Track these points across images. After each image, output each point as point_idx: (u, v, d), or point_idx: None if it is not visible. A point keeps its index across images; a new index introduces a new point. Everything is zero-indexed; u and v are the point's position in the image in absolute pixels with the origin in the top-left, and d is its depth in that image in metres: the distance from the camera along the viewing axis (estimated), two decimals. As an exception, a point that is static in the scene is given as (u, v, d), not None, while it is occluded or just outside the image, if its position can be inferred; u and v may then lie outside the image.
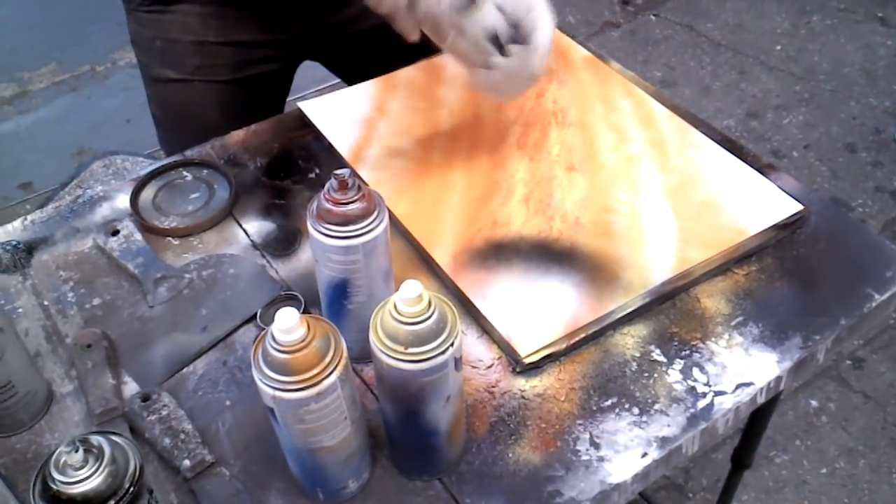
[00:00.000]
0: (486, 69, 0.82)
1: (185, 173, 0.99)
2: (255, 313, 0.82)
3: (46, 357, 0.80)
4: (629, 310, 0.80)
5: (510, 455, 0.71)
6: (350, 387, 0.61)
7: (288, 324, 0.55)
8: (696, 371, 0.77)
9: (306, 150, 1.02)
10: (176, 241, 0.91)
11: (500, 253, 0.86)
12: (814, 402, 1.77)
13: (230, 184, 0.96)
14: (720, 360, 0.77)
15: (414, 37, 0.81)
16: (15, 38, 2.98)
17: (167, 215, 0.93)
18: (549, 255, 0.86)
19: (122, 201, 0.95)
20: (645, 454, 0.71)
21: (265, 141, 1.04)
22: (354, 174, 0.67)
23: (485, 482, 0.69)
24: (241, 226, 0.93)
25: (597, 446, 0.71)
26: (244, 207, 0.95)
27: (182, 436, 0.71)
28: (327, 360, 0.57)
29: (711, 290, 0.84)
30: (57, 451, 0.53)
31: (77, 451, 0.53)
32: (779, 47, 2.81)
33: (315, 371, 0.56)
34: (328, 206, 0.66)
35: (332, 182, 0.65)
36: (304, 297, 0.83)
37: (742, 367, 0.77)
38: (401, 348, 0.58)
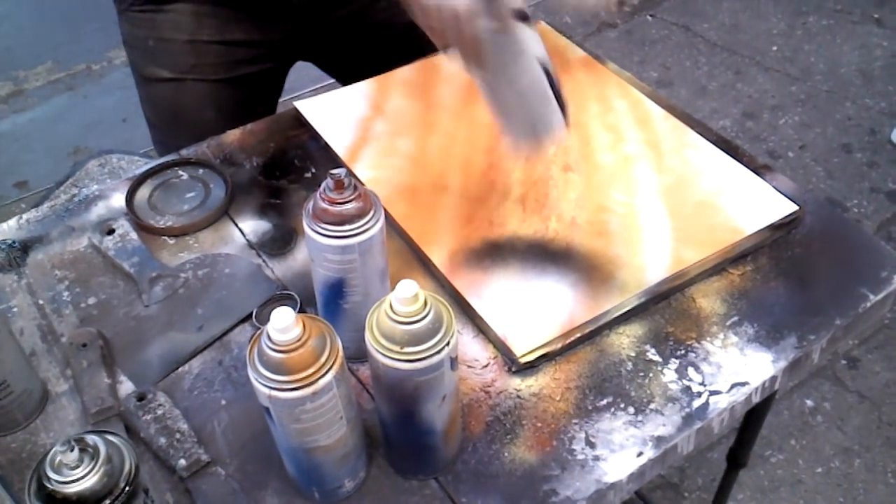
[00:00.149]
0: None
1: (180, 172, 0.99)
2: (251, 313, 0.82)
3: (41, 356, 0.80)
4: (625, 309, 0.80)
5: (506, 454, 0.71)
6: (346, 386, 0.61)
7: (283, 323, 0.55)
8: (691, 370, 0.77)
9: (302, 150, 1.02)
10: (171, 241, 0.91)
11: (496, 253, 0.86)
12: (809, 402, 1.78)
13: (226, 183, 0.96)
14: (715, 360, 0.78)
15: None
16: (10, 36, 2.98)
17: (163, 214, 0.93)
18: (544, 254, 0.86)
19: (118, 200, 0.95)
20: (640, 453, 0.71)
21: (261, 140, 1.04)
22: (350, 174, 0.67)
23: (481, 481, 0.69)
24: (236, 225, 0.93)
25: (592, 445, 0.71)
26: (240, 207, 0.95)
27: (178, 435, 0.71)
28: (323, 359, 0.57)
29: (707, 289, 0.84)
30: (52, 451, 0.53)
31: (72, 450, 0.52)
32: (775, 48, 2.81)
33: (311, 370, 0.56)
34: (324, 205, 0.66)
35: (328, 181, 0.65)
36: (299, 297, 0.83)
37: (737, 367, 0.77)
38: (397, 348, 0.58)
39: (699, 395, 0.75)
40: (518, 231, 0.88)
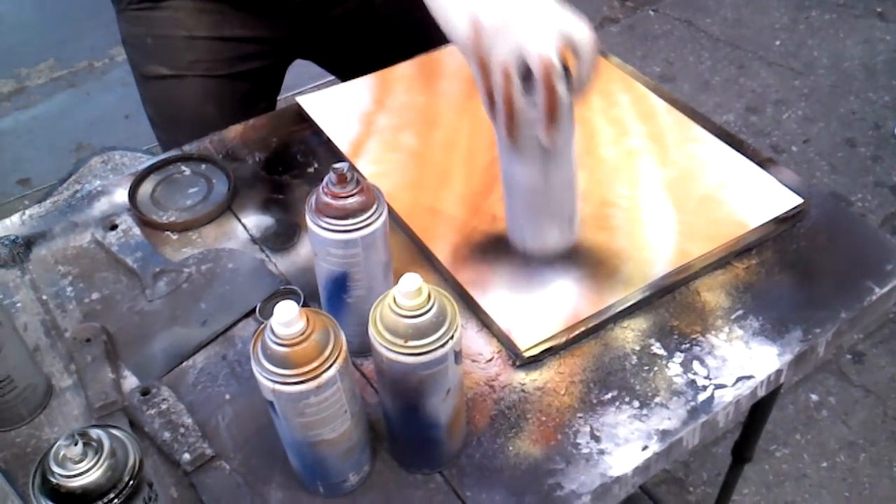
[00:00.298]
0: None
1: (183, 168, 0.98)
2: (255, 307, 0.82)
3: (45, 351, 0.80)
4: (629, 303, 0.80)
5: (510, 448, 0.71)
6: (350, 380, 0.60)
7: (287, 317, 0.55)
8: (696, 364, 0.77)
9: (305, 145, 1.02)
10: (174, 236, 0.91)
11: (499, 247, 0.85)
12: (814, 396, 1.77)
13: (229, 178, 0.96)
14: (720, 354, 0.77)
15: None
16: (13, 34, 2.98)
17: (166, 210, 0.93)
18: (548, 248, 0.85)
19: (121, 196, 0.95)
20: (645, 447, 0.71)
21: (264, 135, 1.04)
22: (353, 168, 0.67)
23: (485, 475, 0.69)
24: (239, 220, 0.93)
25: (597, 439, 0.71)
26: (243, 202, 0.95)
27: (182, 430, 0.71)
28: (327, 353, 0.57)
29: (711, 283, 0.84)
30: (56, 445, 0.53)
31: (76, 444, 0.52)
32: (778, 42, 2.81)
33: (314, 364, 0.56)
34: (327, 199, 0.66)
35: (331, 176, 0.65)
36: (303, 292, 0.82)
37: (742, 361, 0.77)
38: (400, 341, 0.58)
39: (704, 388, 0.75)
40: (522, 225, 0.88)
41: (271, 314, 0.55)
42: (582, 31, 0.64)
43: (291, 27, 1.12)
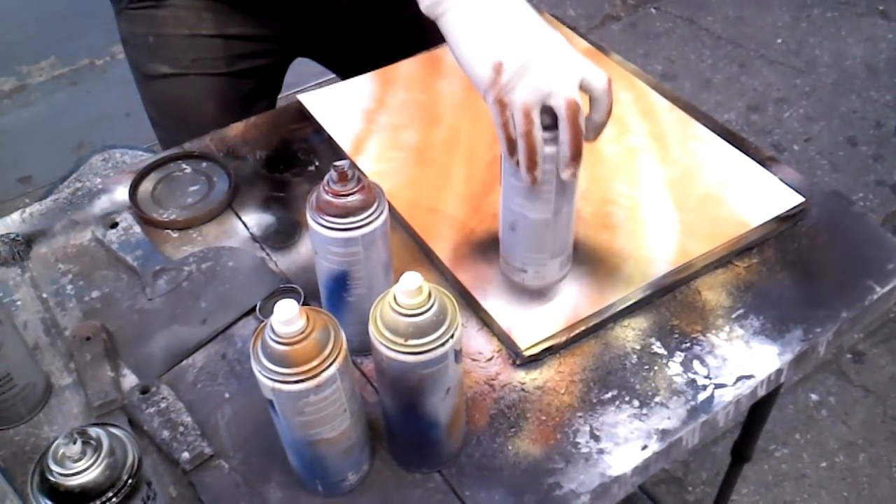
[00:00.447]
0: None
1: (184, 166, 0.98)
2: (255, 306, 0.82)
3: (45, 350, 0.79)
4: (629, 302, 0.80)
5: (510, 447, 0.71)
6: (349, 379, 0.60)
7: (287, 315, 0.55)
8: (696, 363, 0.76)
9: (306, 143, 1.02)
10: (175, 234, 0.91)
11: (500, 246, 0.85)
12: (814, 396, 1.77)
13: (229, 176, 0.96)
14: (721, 353, 0.77)
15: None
16: (14, 32, 2.97)
17: (166, 208, 0.93)
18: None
19: (121, 194, 0.95)
20: (645, 447, 0.70)
21: (264, 133, 1.03)
22: (354, 166, 0.67)
23: (484, 475, 0.69)
24: (240, 218, 0.93)
25: (597, 439, 0.71)
26: (243, 200, 0.95)
27: (181, 428, 0.71)
28: (326, 351, 0.57)
29: (712, 282, 0.84)
30: (55, 443, 0.53)
31: (75, 442, 0.52)
32: (779, 40, 2.80)
33: (314, 363, 0.56)
34: (328, 197, 0.65)
35: (332, 174, 0.65)
36: (303, 290, 0.82)
37: (742, 360, 0.77)
38: (400, 340, 0.58)
39: (704, 388, 0.75)
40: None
41: (271, 313, 0.55)
42: (599, 77, 0.67)
43: (292, 25, 1.12)
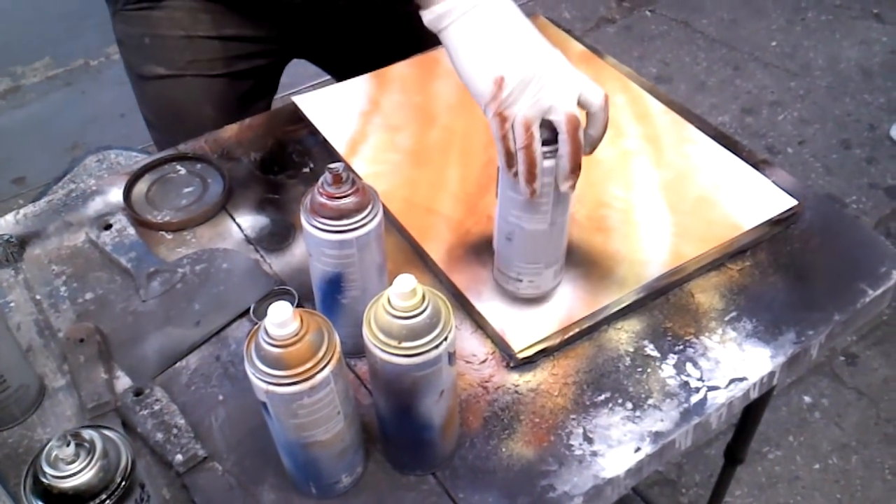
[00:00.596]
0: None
1: (178, 167, 0.98)
2: (249, 308, 0.82)
3: (38, 351, 0.79)
4: (623, 305, 0.80)
5: (503, 450, 0.71)
6: (343, 381, 0.60)
7: (281, 318, 0.55)
8: (689, 366, 0.77)
9: (300, 145, 1.02)
10: (169, 236, 0.91)
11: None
12: (807, 398, 1.78)
13: (224, 178, 0.96)
14: (714, 355, 0.78)
15: None
16: (8, 32, 2.97)
17: (160, 209, 0.93)
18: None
19: (115, 195, 0.95)
20: (638, 449, 0.71)
21: (259, 135, 1.03)
22: (349, 168, 0.67)
23: (478, 477, 0.69)
24: (234, 220, 0.93)
25: (590, 441, 0.71)
26: (238, 202, 0.95)
27: (175, 430, 0.71)
28: (320, 354, 0.57)
29: (705, 285, 0.84)
30: (48, 445, 0.53)
31: (68, 445, 0.52)
32: (774, 43, 2.81)
33: (308, 365, 0.56)
34: (322, 200, 0.65)
35: (326, 176, 0.65)
36: (297, 292, 0.82)
37: (735, 362, 0.77)
38: (394, 342, 0.58)
39: (697, 390, 0.75)
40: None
41: (265, 315, 0.55)
42: (597, 93, 0.69)
43: (289, 26, 1.12)
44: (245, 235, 0.91)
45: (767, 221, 0.88)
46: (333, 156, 0.98)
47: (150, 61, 1.09)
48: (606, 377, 0.76)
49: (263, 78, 1.16)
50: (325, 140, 1.00)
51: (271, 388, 0.56)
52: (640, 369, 0.77)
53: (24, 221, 0.93)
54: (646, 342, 0.79)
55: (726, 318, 0.81)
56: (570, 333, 0.78)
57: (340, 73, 1.20)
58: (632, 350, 0.78)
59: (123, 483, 0.54)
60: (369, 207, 0.67)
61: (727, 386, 0.75)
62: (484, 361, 0.78)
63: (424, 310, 0.58)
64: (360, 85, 1.08)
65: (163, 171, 0.98)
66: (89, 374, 0.75)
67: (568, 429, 0.72)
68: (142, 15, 1.05)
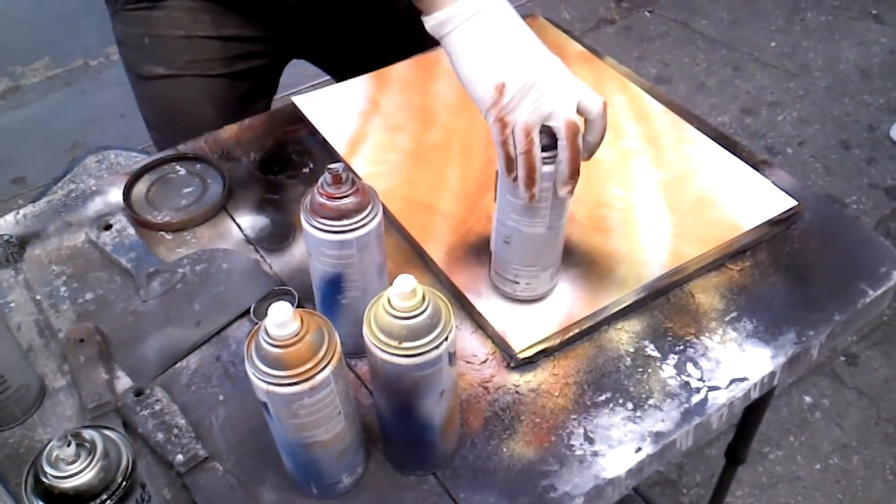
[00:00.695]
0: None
1: (178, 168, 0.98)
2: (249, 308, 0.82)
3: (39, 351, 0.79)
4: (623, 305, 0.80)
5: (504, 450, 0.71)
6: (344, 381, 0.60)
7: (281, 318, 0.55)
8: (689, 366, 0.77)
9: (300, 145, 1.02)
10: (169, 236, 0.91)
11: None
12: (808, 399, 1.78)
13: (223, 178, 0.96)
14: (714, 356, 0.78)
15: None
16: (8, 32, 2.97)
17: (160, 210, 0.93)
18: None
19: (115, 195, 0.95)
20: (639, 449, 0.71)
21: (259, 135, 1.03)
22: (348, 168, 0.67)
23: (479, 477, 0.69)
24: (234, 220, 0.93)
25: (591, 441, 0.71)
26: (238, 202, 0.95)
27: (175, 430, 0.70)
28: (321, 354, 0.57)
29: (705, 285, 0.84)
30: (49, 446, 0.53)
31: (69, 445, 0.52)
32: (773, 44, 2.81)
33: (308, 365, 0.56)
34: (322, 200, 0.65)
35: (326, 176, 0.65)
36: (297, 292, 0.82)
37: (736, 363, 0.77)
38: (395, 343, 0.58)
39: (698, 390, 0.75)
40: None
41: (265, 315, 0.55)
42: (596, 100, 0.70)
43: (289, 26, 1.12)
44: (245, 235, 0.91)
45: (767, 222, 0.88)
46: (333, 156, 0.98)
47: (150, 61, 1.09)
48: (607, 377, 0.76)
49: (263, 78, 1.16)
50: (324, 140, 1.00)
51: (272, 388, 0.56)
52: (640, 369, 0.77)
53: (24, 221, 0.93)
54: (646, 342, 0.79)
55: (727, 319, 0.81)
56: (571, 334, 0.78)
57: (340, 73, 1.20)
58: (632, 350, 0.78)
59: (124, 483, 0.54)
60: (369, 207, 0.67)
61: (728, 386, 0.75)
62: (484, 361, 0.78)
63: (425, 310, 0.58)
64: (359, 85, 1.08)
65: (162, 171, 0.98)
66: (90, 375, 0.75)
67: (569, 429, 0.72)
68: (141, 15, 1.05)
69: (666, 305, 0.82)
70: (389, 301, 0.58)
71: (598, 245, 0.86)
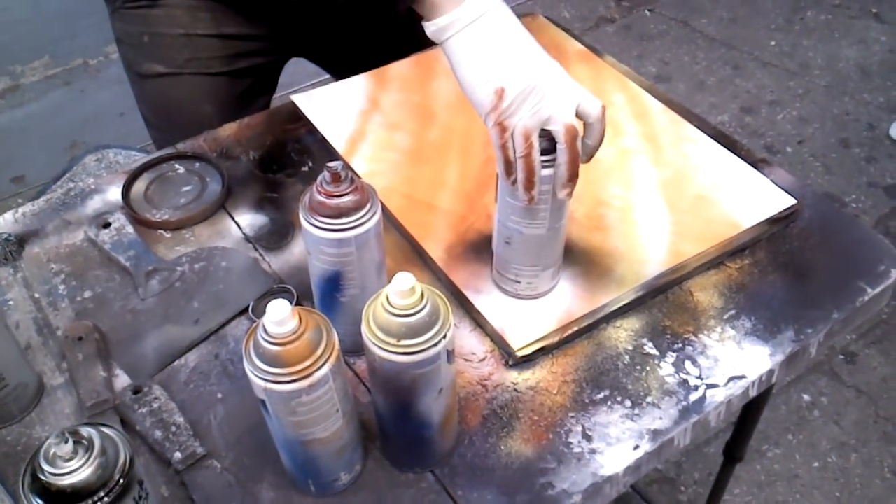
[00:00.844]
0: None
1: (177, 166, 0.98)
2: (248, 306, 0.82)
3: (37, 349, 0.79)
4: (622, 303, 0.80)
5: (502, 447, 0.71)
6: (342, 379, 0.60)
7: (279, 316, 0.55)
8: (688, 364, 0.77)
9: (299, 143, 1.02)
10: (168, 234, 0.91)
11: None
12: (806, 397, 1.78)
13: (222, 177, 0.95)
14: (712, 354, 0.78)
15: None
16: (7, 31, 2.97)
17: (159, 208, 0.93)
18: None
19: (114, 194, 0.95)
20: (637, 447, 0.71)
21: (258, 134, 1.03)
22: (347, 167, 0.67)
23: (477, 474, 0.69)
24: (233, 219, 0.93)
25: (589, 439, 0.71)
26: (236, 200, 0.95)
27: (173, 428, 0.71)
28: (319, 352, 0.57)
29: (704, 283, 0.84)
30: (47, 443, 0.53)
31: (67, 442, 0.52)
32: (773, 43, 2.81)
33: (307, 363, 0.56)
34: (321, 198, 0.65)
35: (325, 174, 0.65)
36: (296, 291, 0.82)
37: (734, 361, 0.77)
38: (393, 340, 0.58)
39: (696, 388, 0.75)
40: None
41: (264, 313, 0.55)
42: (594, 104, 0.70)
43: (288, 24, 1.12)
44: (244, 234, 0.91)
45: (766, 220, 0.88)
46: (332, 154, 0.98)
47: (149, 60, 1.09)
48: (605, 375, 0.76)
49: (262, 76, 1.16)
50: (323, 138, 1.00)
51: (270, 385, 0.56)
52: (639, 367, 0.77)
53: (23, 220, 0.93)
54: (645, 340, 0.79)
55: (725, 317, 0.81)
56: (570, 332, 0.78)
57: (339, 71, 1.20)
58: (631, 348, 0.78)
59: (122, 480, 0.54)
60: (368, 206, 0.67)
61: (726, 384, 0.75)
62: (483, 359, 0.78)
63: (423, 308, 0.58)
64: (359, 83, 1.08)
65: (161, 169, 0.98)
66: (88, 373, 0.75)
67: (567, 426, 0.72)
68: (140, 13, 1.05)
69: (665, 303, 0.82)
70: (388, 299, 0.58)
71: (597, 243, 0.86)
